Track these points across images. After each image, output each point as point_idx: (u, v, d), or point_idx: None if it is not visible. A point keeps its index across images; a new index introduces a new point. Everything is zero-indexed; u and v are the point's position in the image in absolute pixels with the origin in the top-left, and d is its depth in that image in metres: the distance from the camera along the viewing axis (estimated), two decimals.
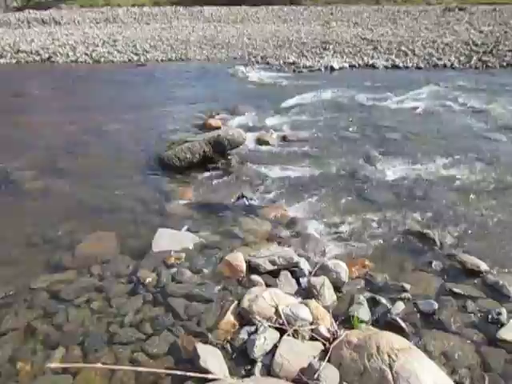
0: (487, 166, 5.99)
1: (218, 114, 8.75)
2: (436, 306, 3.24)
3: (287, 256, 3.70)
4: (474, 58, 15.11)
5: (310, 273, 3.60)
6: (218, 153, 6.23)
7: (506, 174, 5.74)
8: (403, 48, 17.18)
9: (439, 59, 15.24)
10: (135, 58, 17.35)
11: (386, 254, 4.01)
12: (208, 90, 11.61)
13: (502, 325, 3.06)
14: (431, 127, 7.96)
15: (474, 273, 3.66)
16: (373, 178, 5.71)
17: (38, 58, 17.69)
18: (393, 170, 5.93)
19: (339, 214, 4.74)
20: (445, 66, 14.59)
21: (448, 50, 16.66)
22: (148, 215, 4.77)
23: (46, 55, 17.93)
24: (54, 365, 2.74)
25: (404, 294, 3.39)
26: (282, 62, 15.56)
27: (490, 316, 3.15)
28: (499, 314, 3.14)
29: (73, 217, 4.72)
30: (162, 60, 16.96)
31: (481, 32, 21.17)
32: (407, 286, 3.47)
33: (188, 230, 4.38)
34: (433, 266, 3.80)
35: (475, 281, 3.58)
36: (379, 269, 3.75)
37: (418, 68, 14.44)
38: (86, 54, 17.94)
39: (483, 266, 3.69)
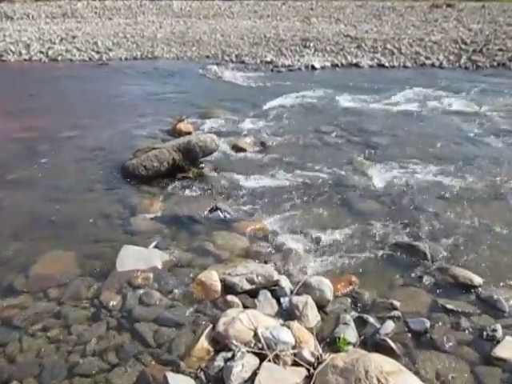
0: (479, 172, 6.13)
1: (188, 118, 8.74)
2: (428, 324, 3.29)
3: (266, 274, 3.70)
4: (464, 57, 15.58)
5: (292, 292, 3.60)
6: (189, 161, 6.21)
7: (500, 180, 5.88)
8: (389, 46, 17.58)
9: (427, 58, 15.65)
10: (96, 56, 17.20)
11: (373, 269, 4.05)
12: (177, 92, 11.59)
13: (498, 342, 3.12)
14: (419, 131, 8.14)
15: (467, 287, 3.73)
16: (358, 187, 5.78)
17: None
18: (379, 178, 6.03)
19: (322, 226, 4.77)
20: (433, 65, 14.99)
21: (436, 49, 17.13)
22: (111, 231, 4.73)
23: None
24: None
25: (393, 312, 3.43)
26: (258, 60, 15.70)
27: (484, 333, 3.21)
28: (494, 330, 3.22)
29: (26, 234, 4.64)
30: (126, 59, 16.87)
31: (470, 30, 21.84)
32: (397, 304, 3.51)
33: (156, 246, 4.35)
34: (424, 280, 3.85)
35: (469, 296, 3.65)
36: (366, 285, 3.79)
37: (405, 67, 14.79)
38: (42, 52, 17.67)
39: (477, 280, 3.76)
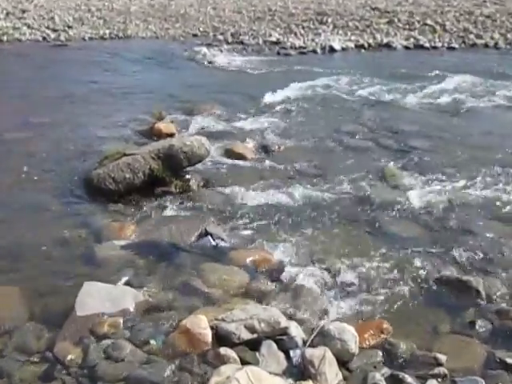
0: None
1: (170, 115, 8.78)
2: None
3: (271, 319, 3.65)
4: None
5: (305, 342, 3.56)
6: (171, 171, 6.21)
7: None
8: (429, 21, 17.75)
9: (478, 37, 15.78)
10: (52, 35, 17.38)
11: (411, 313, 4.03)
12: (156, 81, 11.68)
13: None
14: (469, 131, 8.19)
15: None
16: (390, 204, 5.78)
17: None
18: (417, 192, 6.03)
19: (344, 256, 4.75)
20: (486, 45, 15.12)
21: (490, 25, 17.29)
22: (69, 263, 4.71)
23: None
24: None
25: (438, 369, 3.38)
26: (261, 40, 15.84)
27: None
28: None
29: None
30: (90, 38, 17.03)
31: None
32: (442, 358, 3.47)
33: (128, 283, 4.33)
34: (477, 327, 3.83)
35: None
36: (402, 333, 3.76)
37: (451, 48, 14.92)
38: None
39: None
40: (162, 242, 5.06)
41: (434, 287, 4.31)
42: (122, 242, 5.03)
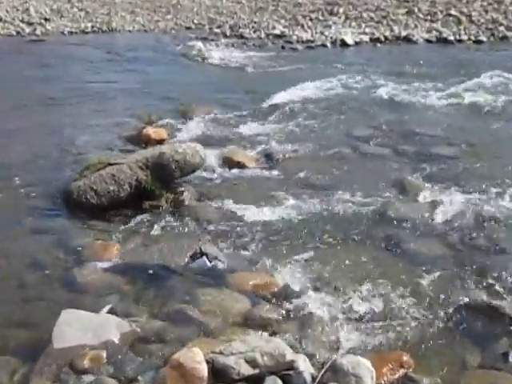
0: None
1: (160, 119, 8.79)
2: None
3: (276, 352, 3.62)
4: None
5: (314, 379, 3.52)
6: (161, 183, 6.25)
7: None
8: (453, 12, 17.83)
9: (509, 29, 15.84)
10: (27, 29, 17.51)
11: (435, 344, 3.97)
12: (144, 81, 11.71)
13: None
14: (501, 137, 8.19)
15: None
16: (411, 221, 5.75)
17: None
18: (442, 207, 6.01)
19: (359, 279, 4.71)
20: None
21: None
22: (45, 288, 4.69)
23: None
24: None
25: None
26: (263, 34, 15.93)
27: None
28: None
29: None
30: (70, 32, 17.15)
31: None
32: None
33: (112, 311, 4.30)
34: (510, 359, 3.78)
35: None
36: (425, 367, 3.71)
37: (478, 42, 14.97)
38: None
39: None
40: (150, 263, 5.03)
41: (461, 314, 4.26)
42: (106, 264, 5.02)
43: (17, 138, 8.14)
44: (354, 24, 16.77)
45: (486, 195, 6.25)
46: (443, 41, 15.11)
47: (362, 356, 3.68)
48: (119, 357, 3.79)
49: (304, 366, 3.64)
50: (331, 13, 18.36)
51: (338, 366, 3.59)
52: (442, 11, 18.01)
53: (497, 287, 4.62)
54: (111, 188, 6.05)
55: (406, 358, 3.80)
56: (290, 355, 3.66)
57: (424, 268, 4.92)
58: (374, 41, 15.19)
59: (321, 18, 17.72)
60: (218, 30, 16.56)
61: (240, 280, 4.77)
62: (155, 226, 5.72)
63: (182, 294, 4.58)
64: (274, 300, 4.49)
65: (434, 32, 15.73)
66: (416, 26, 16.38)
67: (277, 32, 16.07)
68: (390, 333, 4.08)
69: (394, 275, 4.81)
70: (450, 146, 7.79)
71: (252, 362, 3.61)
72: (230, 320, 4.23)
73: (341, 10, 18.54)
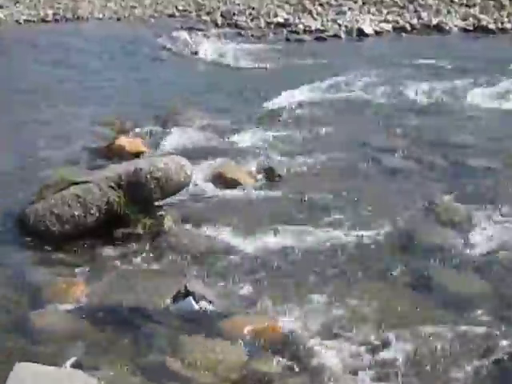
0: None
1: (136, 127, 8.81)
2: None
3: None
4: None
5: None
6: (138, 205, 6.20)
7: None
8: None
9: None
10: None
11: None
12: (117, 79, 11.82)
13: None
14: None
15: None
16: (441, 250, 5.72)
17: None
18: (480, 233, 5.99)
19: (379, 322, 4.60)
20: None
21: None
22: None
23: None
24: None
25: None
26: (262, 22, 16.03)
27: None
28: None
29: None
30: (27, 21, 17.27)
31: None
32: None
33: (77, 364, 4.13)
34: None
35: None
36: None
37: None
38: None
39: None
40: (124, 306, 4.92)
41: (505, 364, 4.14)
42: (69, 307, 4.93)
43: None
44: (373, 10, 16.94)
45: None
46: (482, 29, 15.22)
47: None
48: None
49: None
50: None
51: None
52: None
53: None
54: (76, 212, 5.97)
55: None
56: None
57: (458, 308, 4.83)
58: (398, 30, 15.32)
59: (333, 2, 17.88)
60: (207, 18, 16.72)
61: (234, 325, 4.66)
62: (130, 259, 5.67)
63: (163, 343, 4.45)
64: (275, 349, 4.38)
65: (471, 19, 15.88)
66: (449, 12, 16.55)
67: (279, 20, 16.23)
68: None
69: (422, 317, 4.73)
70: (491, 158, 7.72)
71: None
72: (222, 375, 4.10)
73: None
